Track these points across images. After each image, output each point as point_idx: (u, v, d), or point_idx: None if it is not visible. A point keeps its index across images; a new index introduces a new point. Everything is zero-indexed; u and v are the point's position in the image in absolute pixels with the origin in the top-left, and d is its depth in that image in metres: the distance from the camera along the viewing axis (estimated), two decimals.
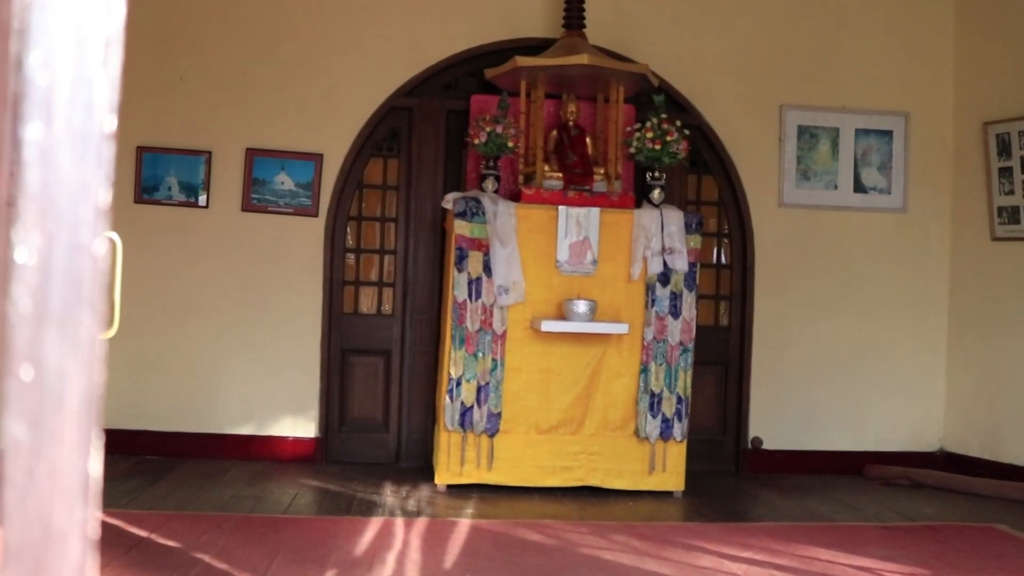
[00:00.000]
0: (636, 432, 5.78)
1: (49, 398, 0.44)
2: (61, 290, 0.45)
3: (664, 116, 5.82)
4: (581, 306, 5.53)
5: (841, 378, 6.80)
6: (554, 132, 6.10)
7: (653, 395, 5.77)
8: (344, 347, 6.53)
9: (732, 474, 6.69)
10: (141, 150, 6.29)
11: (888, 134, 6.84)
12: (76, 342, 0.45)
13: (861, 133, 6.82)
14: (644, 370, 5.76)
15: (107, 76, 0.46)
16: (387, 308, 6.59)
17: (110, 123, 0.46)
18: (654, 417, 5.77)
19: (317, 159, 6.40)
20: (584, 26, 6.14)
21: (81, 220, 0.45)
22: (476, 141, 5.75)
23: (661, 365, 5.77)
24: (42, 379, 0.44)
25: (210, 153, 6.33)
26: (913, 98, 6.87)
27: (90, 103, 0.45)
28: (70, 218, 0.45)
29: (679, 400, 5.80)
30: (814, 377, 6.78)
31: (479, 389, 5.62)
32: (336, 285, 6.51)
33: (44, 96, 0.44)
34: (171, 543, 4.37)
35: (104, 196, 0.46)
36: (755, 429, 6.73)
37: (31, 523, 0.44)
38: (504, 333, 5.63)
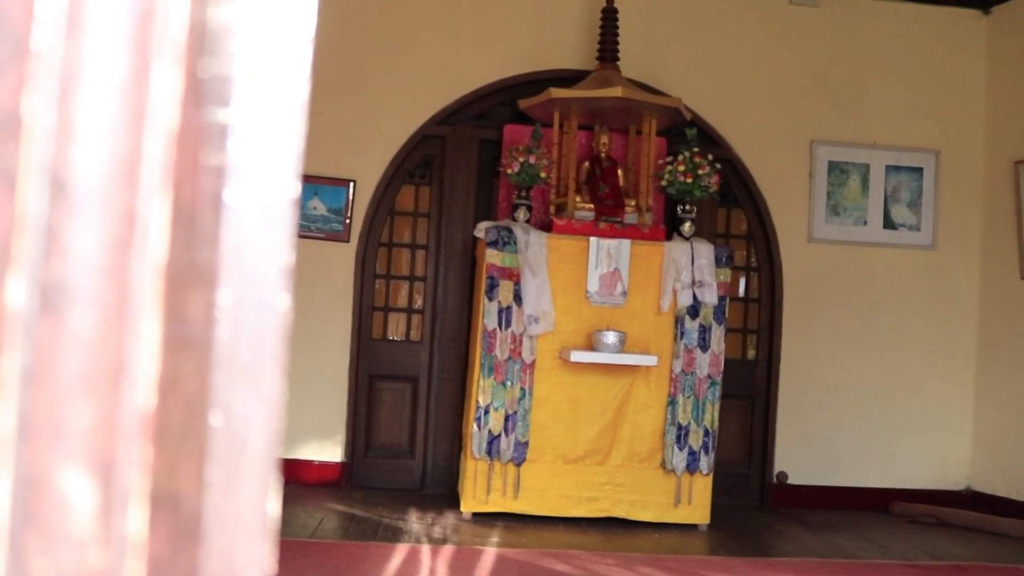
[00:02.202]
0: (662, 464, 5.78)
1: (235, 443, 0.47)
2: (248, 343, 0.48)
3: (696, 150, 5.85)
4: (610, 337, 5.55)
5: (868, 414, 6.78)
6: (586, 163, 6.14)
7: (680, 427, 5.76)
8: (372, 372, 6.56)
9: (757, 508, 6.66)
10: None
11: (918, 171, 6.85)
12: (260, 391, 0.49)
13: (891, 169, 6.83)
14: (672, 402, 5.77)
15: (294, 146, 0.49)
16: (415, 335, 6.62)
17: (296, 189, 0.49)
18: (681, 449, 5.76)
19: (350, 185, 6.46)
20: (618, 59, 6.19)
21: (267, 279, 0.48)
22: (509, 171, 5.80)
23: (689, 398, 5.77)
24: (230, 425, 0.48)
25: None
26: (944, 135, 6.89)
27: (280, 171, 0.49)
28: (258, 277, 0.48)
29: (706, 433, 5.79)
30: (841, 412, 6.76)
31: (507, 418, 5.63)
32: (366, 311, 6.55)
33: (241, 165, 0.47)
34: None
35: (288, 256, 0.49)
36: (781, 463, 6.71)
37: (216, 558, 0.47)
38: (533, 362, 5.65)
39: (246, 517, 0.48)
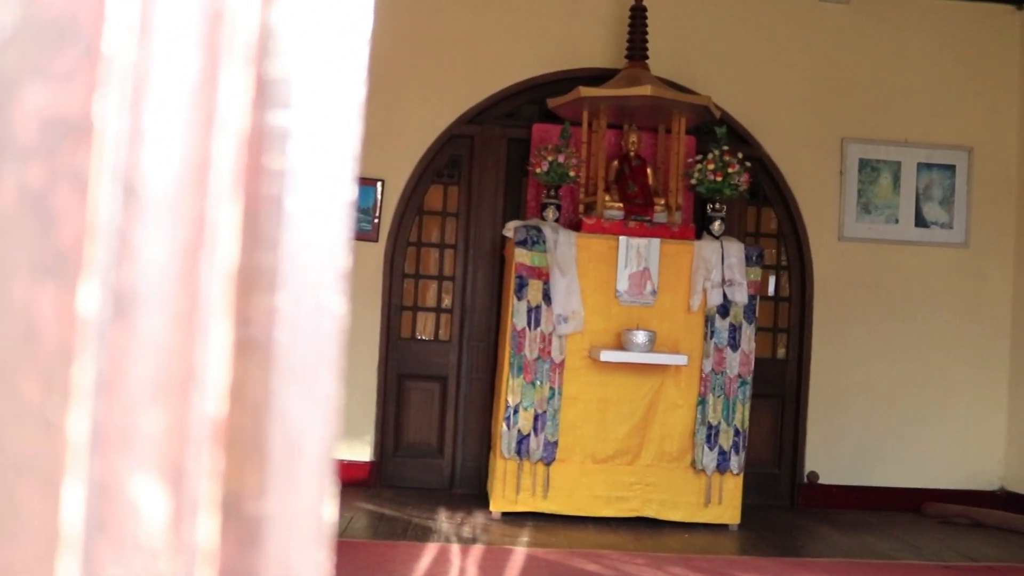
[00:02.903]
0: (692, 464, 5.75)
1: (291, 448, 0.47)
2: (305, 347, 0.47)
3: (726, 148, 5.82)
4: (640, 336, 5.53)
5: (900, 413, 6.72)
6: (615, 162, 6.12)
7: (710, 427, 5.74)
8: (400, 372, 6.57)
9: (787, 508, 6.62)
10: None
11: (951, 168, 6.78)
12: (316, 396, 0.48)
13: (923, 167, 6.77)
14: (702, 402, 5.74)
15: (351, 148, 0.49)
16: (444, 334, 6.62)
17: (352, 191, 0.49)
18: (711, 449, 5.74)
19: (378, 184, 6.47)
20: (647, 57, 6.17)
21: (324, 282, 0.48)
22: (538, 170, 5.79)
23: (719, 397, 5.74)
24: (287, 430, 0.47)
25: None
26: (977, 132, 6.82)
27: (337, 174, 0.48)
28: (315, 280, 0.47)
29: (736, 432, 5.76)
30: (872, 412, 6.71)
31: (536, 417, 5.62)
32: (394, 310, 6.56)
33: (300, 167, 0.47)
34: None
35: (345, 260, 0.48)
36: (811, 463, 6.66)
37: (273, 564, 0.46)
38: (562, 362, 5.64)
39: (303, 522, 0.48)
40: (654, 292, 5.68)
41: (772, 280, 6.78)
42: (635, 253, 5.66)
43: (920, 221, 6.76)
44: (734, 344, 5.75)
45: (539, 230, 5.64)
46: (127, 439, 0.43)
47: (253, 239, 0.49)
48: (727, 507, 5.79)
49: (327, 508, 0.50)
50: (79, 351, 0.41)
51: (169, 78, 0.44)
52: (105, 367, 0.42)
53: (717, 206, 5.90)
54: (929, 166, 6.77)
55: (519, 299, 5.62)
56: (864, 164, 6.73)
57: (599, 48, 6.58)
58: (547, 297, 5.62)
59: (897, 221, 6.75)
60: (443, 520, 5.63)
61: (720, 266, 5.72)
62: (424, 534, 5.25)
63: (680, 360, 5.56)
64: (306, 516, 0.49)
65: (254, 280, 0.48)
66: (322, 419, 0.49)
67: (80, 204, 0.42)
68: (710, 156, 5.81)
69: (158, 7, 0.44)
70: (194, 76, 0.45)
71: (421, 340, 6.62)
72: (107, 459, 0.42)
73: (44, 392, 0.41)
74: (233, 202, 0.47)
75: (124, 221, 0.43)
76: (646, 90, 5.73)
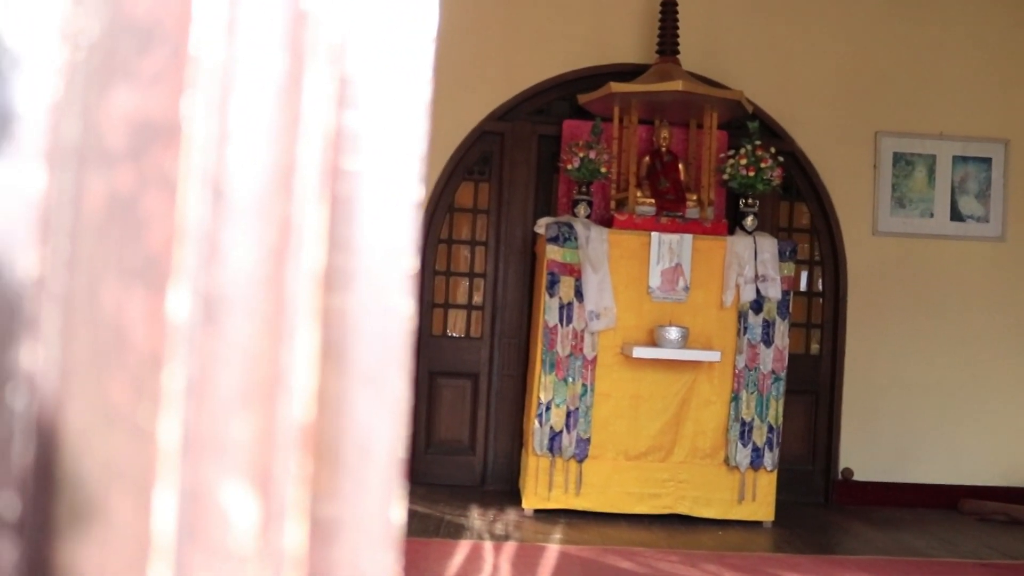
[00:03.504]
0: (726, 460, 5.72)
1: (361, 450, 0.46)
2: (374, 348, 0.47)
3: (758, 143, 5.78)
4: (673, 333, 5.50)
5: (935, 409, 6.65)
6: (646, 158, 6.09)
7: (744, 423, 5.70)
8: (432, 369, 6.57)
9: (821, 505, 6.57)
10: None
11: (987, 161, 6.70)
12: (385, 397, 0.47)
13: (958, 160, 6.69)
14: (735, 398, 5.70)
15: (418, 148, 0.48)
16: (475, 331, 6.62)
17: (420, 192, 0.48)
18: (744, 446, 5.70)
19: None
20: (678, 52, 6.13)
21: (392, 284, 0.47)
22: (569, 166, 5.77)
23: (752, 393, 5.71)
24: (357, 432, 0.47)
25: None
26: (1013, 125, 6.73)
27: (404, 174, 0.48)
28: (383, 282, 0.47)
29: (770, 429, 5.72)
30: (907, 407, 6.65)
31: (568, 414, 5.61)
32: (425, 307, 6.57)
33: (370, 168, 0.46)
34: None
35: (412, 262, 0.48)
36: (846, 460, 6.61)
37: (344, 567, 0.46)
38: (595, 358, 5.62)
39: (372, 524, 0.47)
40: (686, 288, 5.66)
41: (804, 275, 6.73)
42: (667, 249, 5.63)
43: (956, 215, 6.69)
44: (767, 340, 5.72)
45: (571, 227, 5.63)
46: (216, 445, 0.42)
47: (332, 241, 0.48)
48: (761, 504, 5.75)
49: (396, 510, 0.50)
50: (169, 356, 0.41)
51: (255, 80, 0.44)
52: (195, 372, 0.42)
53: (750, 201, 5.86)
54: (964, 159, 6.70)
55: (551, 296, 5.61)
56: (898, 158, 6.66)
57: (630, 43, 6.55)
58: (579, 294, 5.60)
59: (932, 215, 6.68)
60: (475, 517, 5.63)
61: (753, 262, 5.68)
62: (457, 531, 5.26)
63: (713, 356, 5.52)
64: (375, 518, 0.48)
65: (329, 282, 0.48)
66: (391, 421, 0.48)
67: (169, 208, 0.41)
68: (742, 151, 5.77)
69: (243, 9, 0.44)
70: (280, 77, 0.45)
71: (452, 337, 6.62)
72: (197, 465, 0.42)
73: (135, 398, 0.41)
74: (318, 204, 0.46)
75: (212, 224, 0.42)
76: (677, 85, 5.70)
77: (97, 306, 0.41)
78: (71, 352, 0.40)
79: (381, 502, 0.48)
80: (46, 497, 0.40)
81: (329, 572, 0.47)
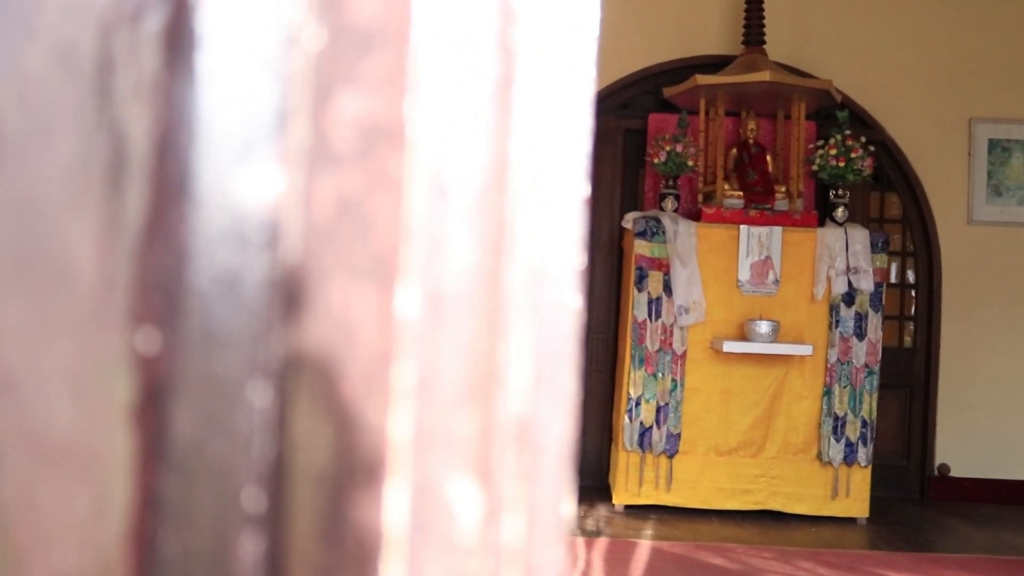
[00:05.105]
0: (818, 456, 5.64)
1: (533, 444, 0.47)
2: (546, 343, 0.47)
3: (848, 132, 5.68)
4: (763, 327, 5.44)
5: None
6: (733, 150, 6.03)
7: (837, 418, 5.61)
8: None
9: (917, 502, 6.44)
10: None
11: None
12: (555, 393, 0.48)
13: None
14: (827, 392, 5.62)
15: (583, 144, 0.48)
16: None
17: (586, 188, 0.49)
18: (838, 441, 5.61)
19: None
20: (764, 42, 6.06)
21: (562, 279, 0.48)
22: (656, 160, 5.74)
23: (845, 387, 5.61)
24: (530, 426, 0.47)
25: None
26: None
27: (571, 170, 0.48)
28: (554, 277, 0.47)
29: (864, 424, 5.63)
30: (1006, 402, 6.47)
31: (658, 409, 5.59)
32: None
33: (543, 166, 0.47)
34: None
35: (580, 257, 0.48)
36: (942, 455, 6.46)
37: (512, 561, 0.46)
38: (684, 353, 5.59)
39: (544, 518, 0.48)
40: (776, 281, 5.59)
41: (894, 267, 6.59)
42: (756, 242, 5.57)
43: None
44: (860, 333, 5.62)
45: (658, 221, 5.60)
46: (443, 440, 0.43)
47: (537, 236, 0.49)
48: (855, 500, 5.66)
49: (566, 504, 0.50)
50: (398, 353, 0.42)
51: (471, 80, 0.44)
52: (424, 369, 0.42)
53: (840, 192, 5.77)
54: None
55: (639, 291, 5.58)
56: (994, 144, 6.48)
57: (714, 35, 6.48)
58: (667, 288, 5.57)
59: None
60: None
61: (844, 253, 5.59)
62: None
63: (805, 350, 5.45)
64: (548, 512, 0.49)
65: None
66: (561, 415, 0.49)
67: (395, 208, 0.42)
68: (832, 141, 5.68)
69: (461, 10, 0.44)
70: (495, 77, 0.45)
71: None
72: (425, 460, 0.43)
73: (365, 394, 0.42)
74: (529, 201, 0.47)
75: (436, 223, 0.43)
76: (764, 76, 5.63)
77: (327, 306, 0.42)
78: (304, 351, 0.42)
79: (553, 496, 0.49)
80: (285, 492, 0.41)
81: (502, 567, 0.48)
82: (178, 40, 0.41)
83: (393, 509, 0.41)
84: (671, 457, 5.62)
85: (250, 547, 0.40)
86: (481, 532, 0.44)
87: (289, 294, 0.41)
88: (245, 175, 0.41)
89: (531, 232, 0.46)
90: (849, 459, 5.62)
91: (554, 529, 0.50)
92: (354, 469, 0.41)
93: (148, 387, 0.40)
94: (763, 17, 6.09)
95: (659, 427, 5.58)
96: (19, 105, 0.42)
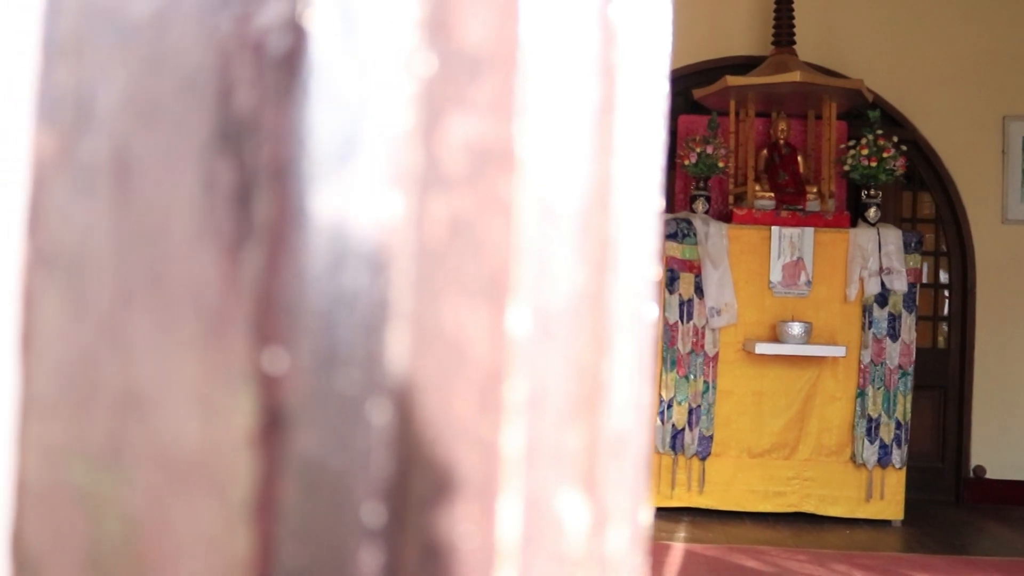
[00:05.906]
0: (852, 458, 5.61)
1: (613, 453, 0.48)
2: (623, 354, 0.48)
3: (879, 132, 5.65)
4: (796, 328, 5.42)
5: None
6: (764, 151, 6.01)
7: (870, 420, 5.58)
8: None
9: (952, 504, 6.39)
10: None
11: None
12: (639, 404, 0.49)
13: None
14: (861, 394, 5.59)
15: (659, 159, 0.49)
16: None
17: (660, 201, 0.50)
18: (871, 443, 5.58)
19: None
20: (794, 42, 6.04)
21: (638, 290, 0.48)
22: (686, 162, 5.73)
23: (879, 389, 5.58)
24: (625, 441, 0.48)
25: None
26: None
27: (647, 181, 0.49)
28: (630, 288, 0.48)
29: (898, 425, 5.59)
30: None
31: (690, 411, 5.58)
32: None
33: (624, 180, 0.48)
34: None
35: (655, 268, 0.49)
36: (977, 457, 6.41)
37: (615, 570, 0.47)
38: (716, 355, 5.57)
39: (624, 526, 0.49)
40: (808, 282, 5.56)
41: (925, 267, 6.54)
42: (788, 243, 5.55)
43: None
44: (893, 334, 5.58)
45: (689, 222, 5.59)
46: (552, 454, 0.44)
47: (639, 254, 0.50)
48: (889, 502, 5.62)
49: (644, 513, 0.51)
50: (509, 370, 0.43)
51: (577, 102, 0.46)
52: (534, 385, 0.43)
53: (872, 192, 5.74)
54: None
55: (671, 292, 5.58)
56: None
57: (744, 36, 6.46)
58: (699, 290, 5.56)
59: None
60: None
61: (877, 254, 5.56)
62: None
63: (838, 351, 5.43)
64: (628, 519, 0.49)
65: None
66: (638, 423, 0.50)
67: (504, 228, 0.43)
68: (863, 141, 5.65)
69: (565, 33, 0.45)
70: (597, 99, 0.46)
71: None
72: (535, 474, 0.44)
73: (477, 411, 0.43)
74: (629, 219, 0.48)
75: (544, 243, 0.44)
76: (795, 76, 5.62)
77: (439, 326, 0.43)
78: (418, 369, 0.43)
79: (633, 504, 0.50)
80: (402, 507, 0.42)
81: (588, 570, 0.49)
82: (297, 66, 0.42)
83: (505, 523, 0.42)
84: (703, 459, 5.60)
85: (370, 560, 0.41)
86: (588, 544, 0.45)
87: (404, 314, 0.42)
88: (360, 197, 0.42)
89: (630, 250, 0.47)
90: (883, 461, 5.59)
91: (634, 536, 0.51)
92: (467, 483, 0.42)
93: (273, 405, 0.42)
94: (793, 17, 6.07)
95: (691, 429, 5.57)
96: (147, 132, 0.43)
